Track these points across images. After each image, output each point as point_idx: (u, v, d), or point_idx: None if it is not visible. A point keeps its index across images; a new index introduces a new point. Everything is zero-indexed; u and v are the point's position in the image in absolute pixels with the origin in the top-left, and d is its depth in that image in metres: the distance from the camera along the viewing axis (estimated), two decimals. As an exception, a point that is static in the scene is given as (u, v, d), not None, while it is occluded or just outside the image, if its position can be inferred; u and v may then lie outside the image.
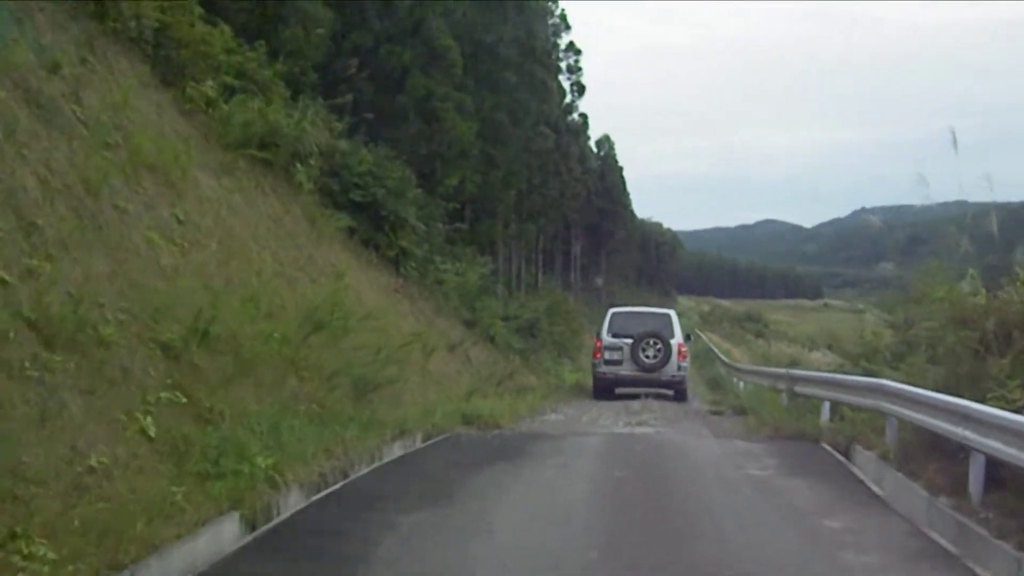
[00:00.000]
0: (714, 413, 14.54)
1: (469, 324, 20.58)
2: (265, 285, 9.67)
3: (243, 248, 10.27)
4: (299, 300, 11.25)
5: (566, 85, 42.34)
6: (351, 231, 16.26)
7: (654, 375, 17.56)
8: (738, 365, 19.69)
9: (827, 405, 11.63)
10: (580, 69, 42.34)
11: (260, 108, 13.00)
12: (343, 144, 16.69)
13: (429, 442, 10.38)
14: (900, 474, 7.30)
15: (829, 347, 68.62)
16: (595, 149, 69.48)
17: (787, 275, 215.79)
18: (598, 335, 18.67)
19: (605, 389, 17.96)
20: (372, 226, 17.06)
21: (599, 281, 68.83)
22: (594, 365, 18.62)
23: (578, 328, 34.31)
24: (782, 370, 14.07)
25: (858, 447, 9.42)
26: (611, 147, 74.12)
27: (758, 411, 13.31)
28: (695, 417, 14.21)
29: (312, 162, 14.85)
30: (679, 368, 17.70)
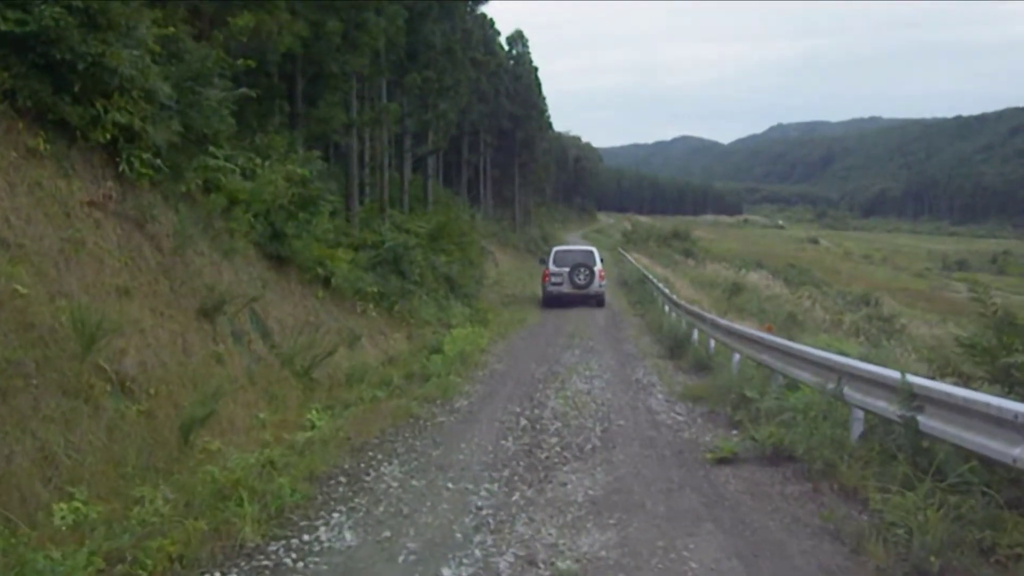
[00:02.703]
0: (720, 461, 6.76)
1: (280, 260, 12.36)
2: None
3: None
4: None
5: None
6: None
7: (583, 291, 24.09)
8: (732, 327, 11.75)
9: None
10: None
11: None
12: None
13: None
14: None
15: (759, 265, 64.15)
16: (506, 47, 60.42)
17: (706, 191, 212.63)
18: (544, 263, 25.88)
19: (552, 300, 24.34)
20: (45, 81, 8.51)
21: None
22: (544, 286, 25.06)
23: (478, 257, 26.13)
24: (886, 372, 6.36)
25: None
26: (525, 45, 64.94)
27: (835, 468, 5.75)
28: (682, 478, 6.38)
29: None
30: (600, 286, 24.46)
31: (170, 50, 10.74)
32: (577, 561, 4.56)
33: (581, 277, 23.92)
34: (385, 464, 6.69)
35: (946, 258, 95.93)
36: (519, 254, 50.72)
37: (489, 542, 4.93)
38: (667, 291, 22.71)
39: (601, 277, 24.45)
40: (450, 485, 6.08)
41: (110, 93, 8.95)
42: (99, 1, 8.91)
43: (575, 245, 33.22)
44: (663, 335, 16.61)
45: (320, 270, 13.24)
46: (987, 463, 5.19)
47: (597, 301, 24.26)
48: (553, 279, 24.40)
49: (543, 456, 6.98)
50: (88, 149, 8.81)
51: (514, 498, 5.79)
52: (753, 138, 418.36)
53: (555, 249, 26.30)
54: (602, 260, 25.82)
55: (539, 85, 68.10)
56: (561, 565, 4.49)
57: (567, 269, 24.11)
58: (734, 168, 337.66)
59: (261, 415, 8.57)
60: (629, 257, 50.77)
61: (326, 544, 4.85)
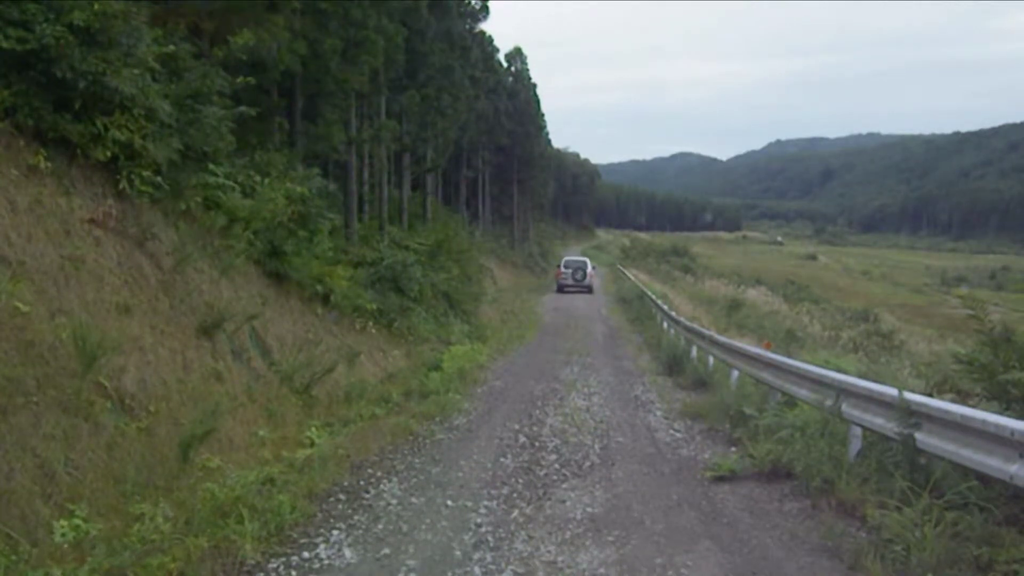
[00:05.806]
0: (718, 478, 6.77)
1: (279, 278, 12.38)
2: None
3: None
4: None
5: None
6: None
7: (580, 283, 41.47)
8: (730, 344, 11.79)
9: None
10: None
11: None
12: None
13: None
14: None
15: (758, 281, 64.02)
16: (505, 64, 60.68)
17: (705, 207, 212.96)
18: (558, 266, 44.60)
19: (561, 287, 41.57)
20: (46, 99, 8.55)
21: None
22: (557, 280, 42.97)
23: (477, 273, 26.15)
24: (883, 389, 6.38)
25: None
26: (523, 62, 65.22)
27: (833, 485, 5.76)
28: (681, 495, 6.36)
29: None
30: (589, 281, 41.85)
31: (170, 68, 10.73)
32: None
33: (579, 275, 41.75)
34: (384, 481, 6.68)
35: (945, 274, 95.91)
36: (518, 270, 50.77)
37: (488, 559, 4.92)
38: (666, 308, 22.72)
39: (591, 276, 42.29)
40: (449, 502, 6.09)
41: (111, 111, 8.94)
42: (100, 20, 8.91)
43: (576, 257, 49.81)
44: (662, 352, 16.60)
45: (319, 287, 13.26)
46: (984, 479, 5.20)
47: (589, 289, 41.51)
48: (562, 275, 42.33)
49: (542, 473, 6.98)
50: (88, 167, 8.80)
51: (513, 515, 5.79)
52: (752, 154, 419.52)
53: (564, 259, 46.04)
54: (594, 267, 44.41)
55: (538, 102, 68.29)
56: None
57: (571, 270, 42.18)
58: (732, 184, 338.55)
59: (260, 432, 8.57)
60: (628, 274, 50.78)
61: (326, 561, 4.86)
